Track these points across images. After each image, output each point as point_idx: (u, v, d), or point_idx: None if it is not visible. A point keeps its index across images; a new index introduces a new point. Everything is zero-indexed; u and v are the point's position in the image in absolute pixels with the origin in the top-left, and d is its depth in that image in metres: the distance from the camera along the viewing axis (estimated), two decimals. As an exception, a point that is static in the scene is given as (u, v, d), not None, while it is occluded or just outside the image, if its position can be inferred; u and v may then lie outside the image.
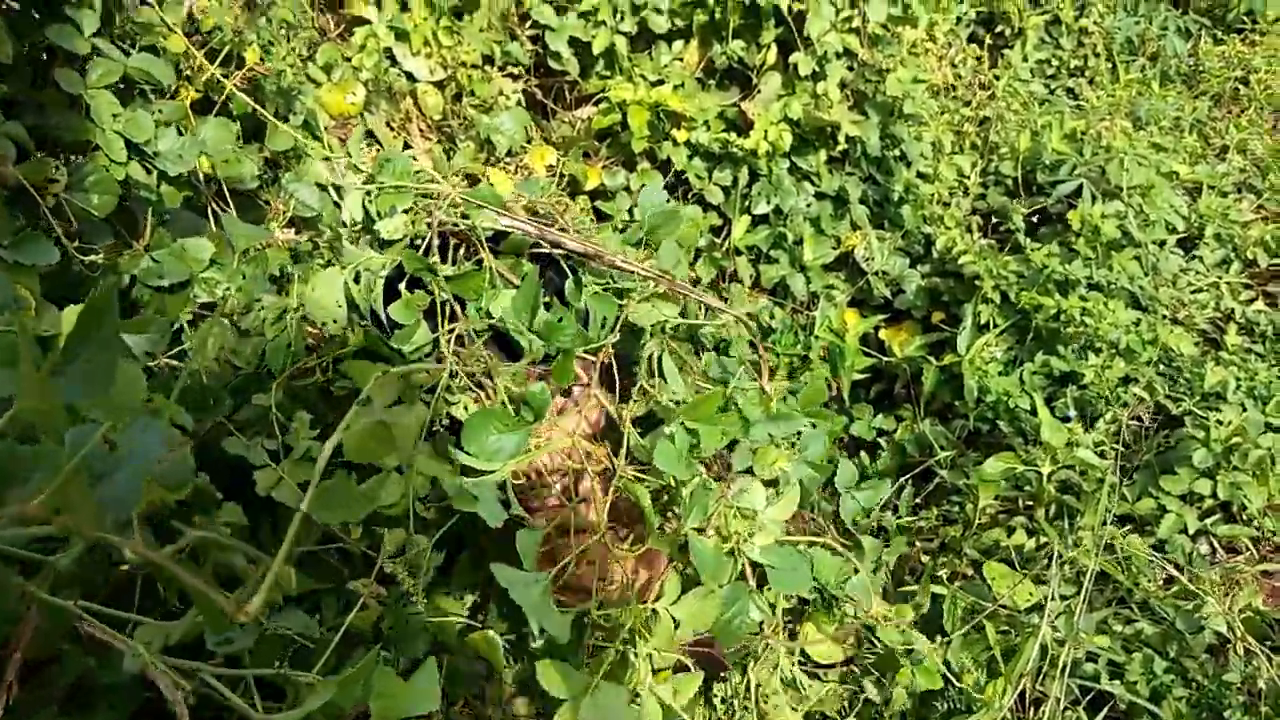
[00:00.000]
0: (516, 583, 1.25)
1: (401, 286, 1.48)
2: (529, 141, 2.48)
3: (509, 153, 2.38)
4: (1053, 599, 1.89)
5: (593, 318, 1.56)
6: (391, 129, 2.25)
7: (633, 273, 1.57)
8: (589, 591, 1.41)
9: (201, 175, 1.82)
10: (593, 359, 1.58)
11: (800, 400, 1.71)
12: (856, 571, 1.77)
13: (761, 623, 1.68)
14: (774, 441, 1.63)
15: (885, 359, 2.73)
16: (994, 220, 2.97)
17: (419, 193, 1.51)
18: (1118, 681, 1.83)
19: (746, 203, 2.80)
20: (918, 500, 2.44)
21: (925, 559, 2.24)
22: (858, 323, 2.81)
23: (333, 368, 1.49)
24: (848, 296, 2.84)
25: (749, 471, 1.62)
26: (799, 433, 1.69)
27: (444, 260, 1.47)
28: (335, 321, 1.42)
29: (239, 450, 1.44)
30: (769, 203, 2.80)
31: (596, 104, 2.70)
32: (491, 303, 1.43)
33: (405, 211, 1.50)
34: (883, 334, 2.80)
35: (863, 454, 2.62)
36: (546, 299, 1.53)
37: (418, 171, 1.57)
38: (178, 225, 1.76)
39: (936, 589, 1.92)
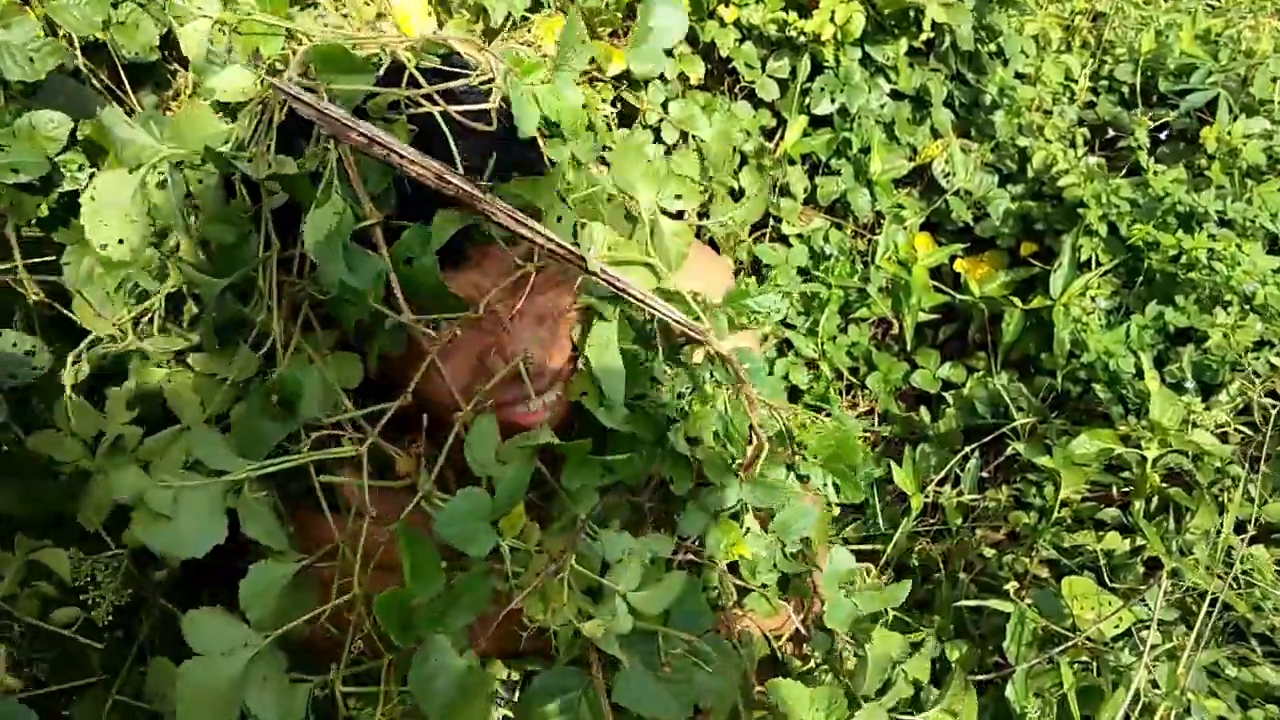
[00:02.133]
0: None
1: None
2: (537, 9, 2.04)
3: (510, 22, 1.95)
4: (1151, 627, 1.47)
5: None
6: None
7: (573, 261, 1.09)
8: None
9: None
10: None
11: (815, 446, 1.23)
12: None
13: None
14: (742, 511, 1.16)
15: (959, 297, 2.28)
16: (1105, 135, 2.47)
17: (299, 33, 1.09)
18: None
19: (806, 100, 2.34)
20: (984, 474, 2.01)
21: (989, 551, 1.83)
22: (930, 250, 2.36)
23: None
24: (920, 219, 2.38)
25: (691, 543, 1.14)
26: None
27: (293, 147, 1.05)
28: (122, 243, 0.99)
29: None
30: (833, 101, 2.33)
31: (628, -30, 2.24)
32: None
33: (257, 66, 1.09)
34: (959, 265, 2.35)
35: (922, 410, 2.20)
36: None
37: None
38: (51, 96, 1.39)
39: (999, 604, 1.51)
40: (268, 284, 1.02)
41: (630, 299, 1.00)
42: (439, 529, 0.84)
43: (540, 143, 1.05)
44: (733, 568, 1.15)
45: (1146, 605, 1.58)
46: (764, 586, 1.12)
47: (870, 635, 1.18)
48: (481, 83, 1.04)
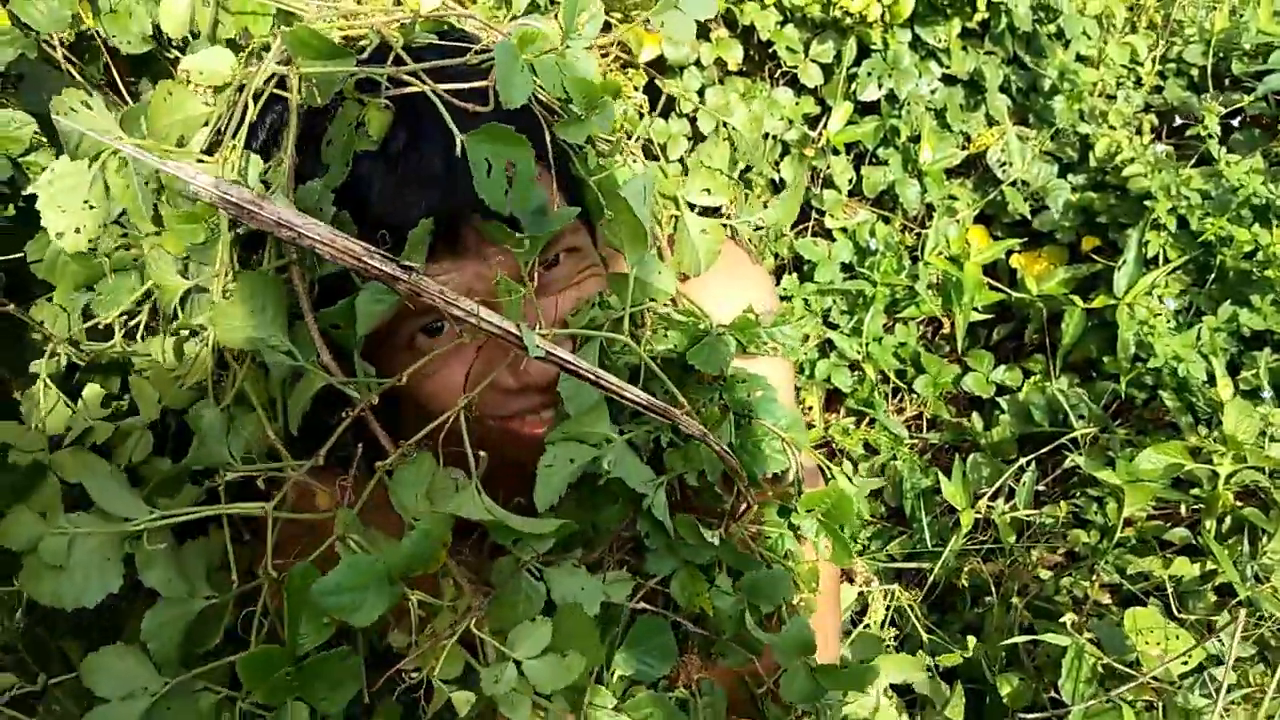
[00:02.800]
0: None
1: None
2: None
3: (534, 5, 1.84)
4: (1225, 665, 1.34)
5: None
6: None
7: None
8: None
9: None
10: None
11: (807, 500, 1.10)
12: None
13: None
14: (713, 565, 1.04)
15: (1015, 295, 2.15)
16: (1173, 121, 2.32)
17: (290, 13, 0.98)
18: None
19: (852, 86, 2.21)
20: (1040, 487, 1.88)
21: (1045, 574, 1.70)
22: (985, 245, 2.22)
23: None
24: (974, 211, 2.25)
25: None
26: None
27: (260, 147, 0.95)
28: (79, 232, 0.89)
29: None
30: (881, 86, 2.21)
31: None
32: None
33: (239, 48, 0.99)
34: (1015, 261, 2.21)
35: (974, 416, 2.06)
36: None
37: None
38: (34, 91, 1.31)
39: (1056, 637, 1.39)
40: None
41: (585, 377, 0.87)
42: (315, 595, 0.73)
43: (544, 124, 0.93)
44: (700, 618, 1.03)
45: (1219, 639, 1.44)
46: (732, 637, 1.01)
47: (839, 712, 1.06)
48: (482, 61, 0.93)
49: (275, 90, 0.91)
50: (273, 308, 0.85)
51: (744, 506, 1.02)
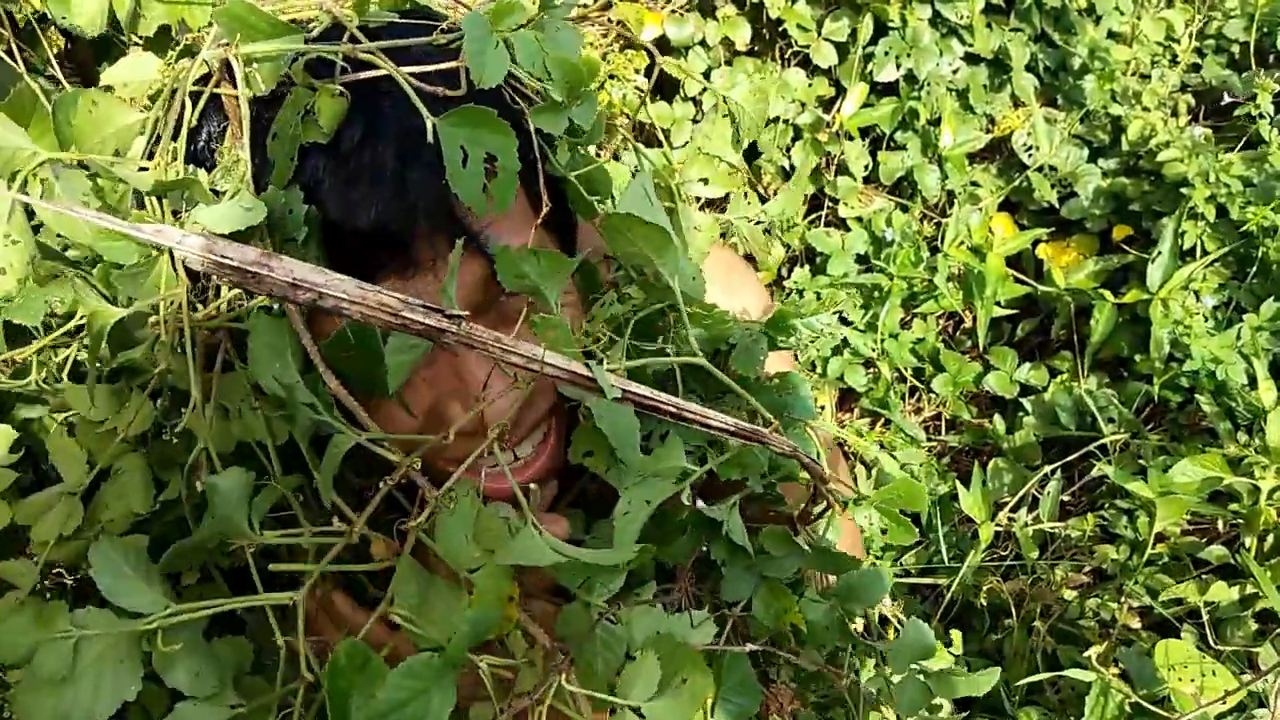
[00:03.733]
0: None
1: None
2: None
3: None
4: (1273, 704, 1.22)
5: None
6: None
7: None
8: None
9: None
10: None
11: (876, 496, 0.99)
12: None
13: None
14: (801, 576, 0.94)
15: (1041, 288, 2.02)
16: (1212, 102, 2.18)
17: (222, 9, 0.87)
18: None
19: (868, 66, 2.09)
20: (1066, 497, 1.76)
21: (1070, 594, 1.58)
22: (1009, 235, 2.10)
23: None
24: (998, 199, 2.12)
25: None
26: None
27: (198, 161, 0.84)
28: (5, 274, 0.77)
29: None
30: (899, 66, 2.09)
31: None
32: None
33: (163, 45, 0.88)
34: (1041, 252, 2.09)
35: (996, 418, 1.94)
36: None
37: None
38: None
39: (1079, 674, 1.27)
40: (174, 320, 0.82)
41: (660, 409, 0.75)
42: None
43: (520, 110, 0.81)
44: (778, 639, 0.93)
45: (1261, 673, 1.32)
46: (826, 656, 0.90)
47: None
48: (450, 40, 0.81)
49: (216, 89, 0.81)
50: (290, 345, 0.74)
51: (822, 507, 0.91)
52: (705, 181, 1.12)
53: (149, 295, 0.82)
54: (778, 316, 0.99)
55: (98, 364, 0.83)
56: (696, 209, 1.16)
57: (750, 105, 1.87)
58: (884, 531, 1.02)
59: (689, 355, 0.81)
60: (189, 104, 0.82)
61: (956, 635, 1.51)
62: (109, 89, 0.89)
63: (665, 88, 2.06)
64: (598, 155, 1.22)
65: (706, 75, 2.03)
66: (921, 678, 0.89)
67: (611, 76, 1.88)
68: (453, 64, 0.77)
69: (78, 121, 0.83)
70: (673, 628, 0.77)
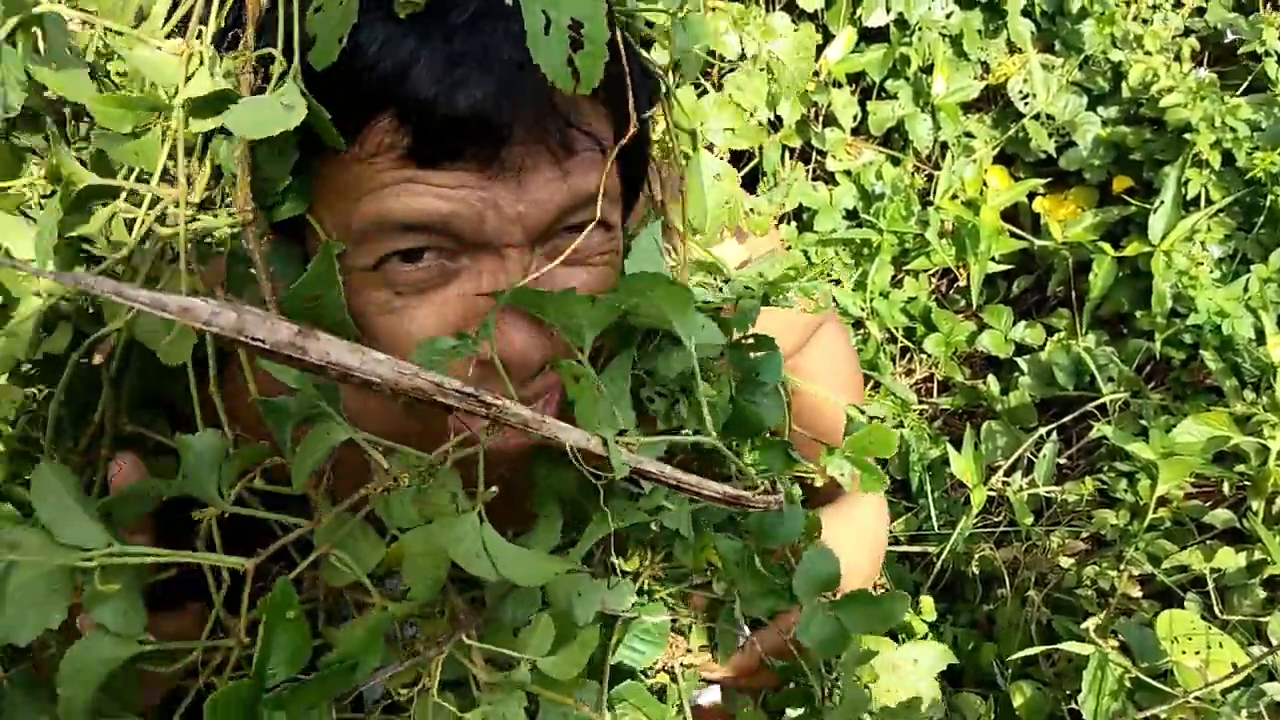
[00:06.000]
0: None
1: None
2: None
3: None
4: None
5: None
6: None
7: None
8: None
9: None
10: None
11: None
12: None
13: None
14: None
15: (1038, 243, 1.94)
16: (1218, 43, 2.08)
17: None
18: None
19: (857, 10, 1.99)
20: (1063, 460, 1.67)
21: (1067, 561, 1.50)
22: (1005, 186, 2.01)
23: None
24: (993, 149, 2.03)
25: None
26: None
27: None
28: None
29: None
30: (889, 10, 2.00)
31: None
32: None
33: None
34: (1039, 205, 2.00)
35: (990, 379, 1.85)
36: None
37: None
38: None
39: (1075, 647, 1.19)
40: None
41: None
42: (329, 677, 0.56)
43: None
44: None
45: (1269, 644, 1.24)
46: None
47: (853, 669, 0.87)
48: None
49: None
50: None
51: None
52: (732, 131, 1.02)
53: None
54: (779, 276, 0.92)
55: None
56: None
57: (792, 61, 1.76)
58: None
59: (702, 417, 0.74)
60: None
61: (928, 601, 1.44)
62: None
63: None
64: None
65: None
66: (829, 610, 0.80)
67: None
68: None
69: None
70: (591, 590, 0.72)
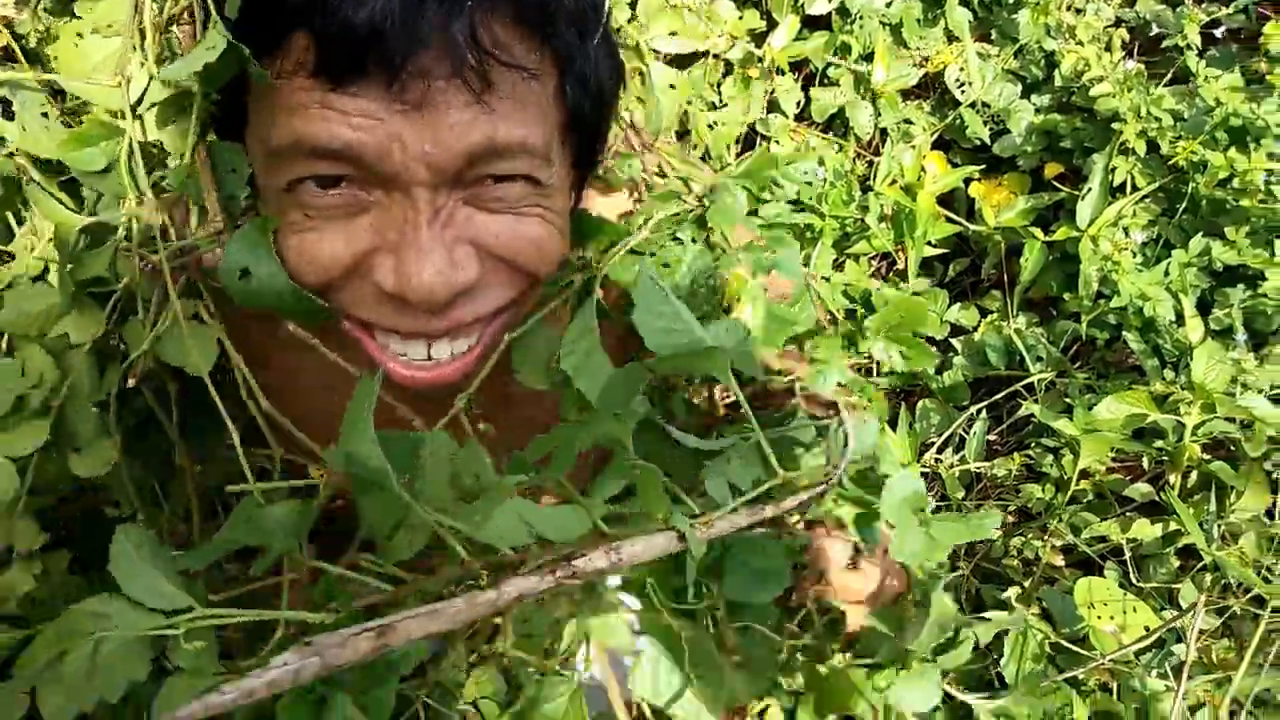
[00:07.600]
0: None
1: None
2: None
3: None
4: (1187, 640, 1.21)
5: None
6: None
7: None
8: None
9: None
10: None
11: (878, 320, 0.92)
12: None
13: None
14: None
15: (973, 227, 1.99)
16: (1146, 36, 2.14)
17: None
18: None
19: (799, -2, 2.03)
20: (992, 437, 1.74)
21: (994, 533, 1.56)
22: (943, 172, 2.06)
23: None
24: (931, 136, 2.08)
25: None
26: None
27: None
28: None
29: None
30: (831, -1, 2.03)
31: None
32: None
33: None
34: (974, 191, 2.05)
35: (927, 359, 1.91)
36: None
37: None
38: None
39: (998, 617, 1.25)
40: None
41: None
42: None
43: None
44: None
45: (1180, 609, 1.32)
46: None
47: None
48: None
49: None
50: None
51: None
52: (674, 34, 1.06)
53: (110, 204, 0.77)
54: (754, 168, 0.93)
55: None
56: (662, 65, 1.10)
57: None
58: (904, 358, 0.97)
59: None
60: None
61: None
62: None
63: None
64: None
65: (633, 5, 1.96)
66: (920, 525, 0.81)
67: None
68: None
69: (62, 57, 0.77)
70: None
